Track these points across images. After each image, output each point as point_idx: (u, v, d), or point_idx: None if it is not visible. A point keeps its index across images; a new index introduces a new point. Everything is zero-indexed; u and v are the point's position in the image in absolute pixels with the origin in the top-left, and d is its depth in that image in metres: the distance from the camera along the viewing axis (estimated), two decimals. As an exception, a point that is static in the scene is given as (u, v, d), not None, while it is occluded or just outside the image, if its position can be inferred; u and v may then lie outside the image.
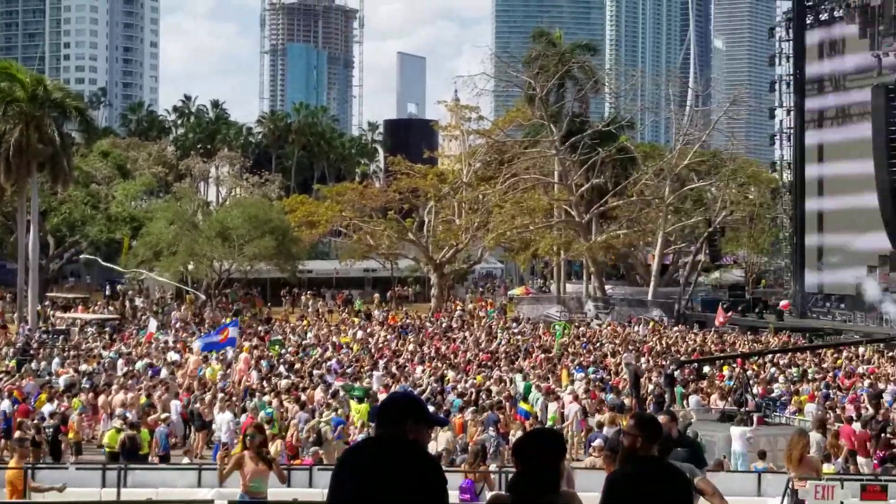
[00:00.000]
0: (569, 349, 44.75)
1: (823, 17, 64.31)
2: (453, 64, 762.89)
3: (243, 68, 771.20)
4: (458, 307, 71.11)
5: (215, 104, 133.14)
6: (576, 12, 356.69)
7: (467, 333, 52.15)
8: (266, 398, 28.63)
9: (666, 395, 31.40)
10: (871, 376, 35.23)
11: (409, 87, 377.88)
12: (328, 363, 37.96)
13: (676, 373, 33.79)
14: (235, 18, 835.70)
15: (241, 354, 38.82)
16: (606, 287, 76.62)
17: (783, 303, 60.68)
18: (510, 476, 7.25)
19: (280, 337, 48.63)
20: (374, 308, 70.65)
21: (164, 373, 35.20)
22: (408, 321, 59.67)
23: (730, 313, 60.45)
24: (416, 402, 6.79)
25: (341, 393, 29.40)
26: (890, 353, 43.79)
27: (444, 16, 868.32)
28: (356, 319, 61.44)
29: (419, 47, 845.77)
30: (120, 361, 38.37)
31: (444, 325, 57.79)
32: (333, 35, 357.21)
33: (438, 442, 22.97)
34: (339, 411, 26.79)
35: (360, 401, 27.65)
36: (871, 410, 26.49)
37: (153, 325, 48.04)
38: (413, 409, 6.55)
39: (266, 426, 24.40)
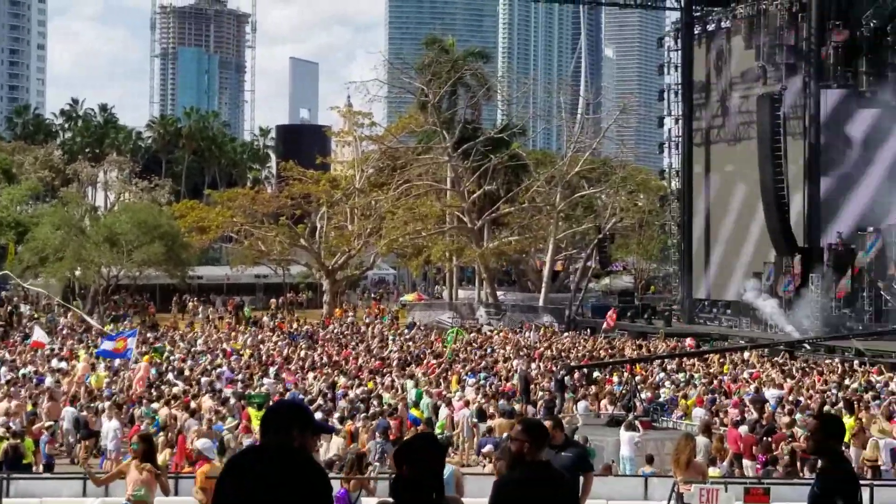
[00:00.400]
0: (460, 355, 44.87)
1: (711, 27, 65.47)
2: (346, 70, 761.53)
3: (134, 72, 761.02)
4: (351, 313, 70.92)
5: (104, 108, 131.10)
6: (469, 20, 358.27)
7: (359, 340, 52.04)
8: (154, 406, 28.25)
9: (556, 401, 31.68)
10: (756, 381, 35.87)
11: (302, 92, 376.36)
12: (218, 370, 37.58)
13: (566, 378, 34.10)
14: (125, 22, 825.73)
15: (142, 363, 38.28)
16: (498, 293, 77.06)
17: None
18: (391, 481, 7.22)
19: (161, 345, 47.91)
20: (267, 314, 70.13)
21: (48, 381, 34.52)
22: (300, 327, 59.34)
23: (613, 318, 61.17)
24: (302, 410, 6.73)
25: (232, 400, 29.13)
26: (774, 358, 44.63)
27: (338, 21, 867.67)
28: (245, 327, 60.96)
29: (312, 52, 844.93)
30: (3, 369, 37.55)
31: (335, 331, 57.58)
32: (225, 39, 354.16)
33: (330, 448, 22.88)
34: (229, 420, 26.53)
35: (260, 407, 27.43)
36: (755, 414, 26.97)
37: (38, 332, 47.09)
38: (299, 417, 6.50)
39: (161, 434, 24.18)
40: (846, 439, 22.49)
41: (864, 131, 56.91)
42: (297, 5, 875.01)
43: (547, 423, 12.24)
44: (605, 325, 59.87)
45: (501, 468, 11.83)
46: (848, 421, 25.08)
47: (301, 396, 30.42)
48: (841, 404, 28.31)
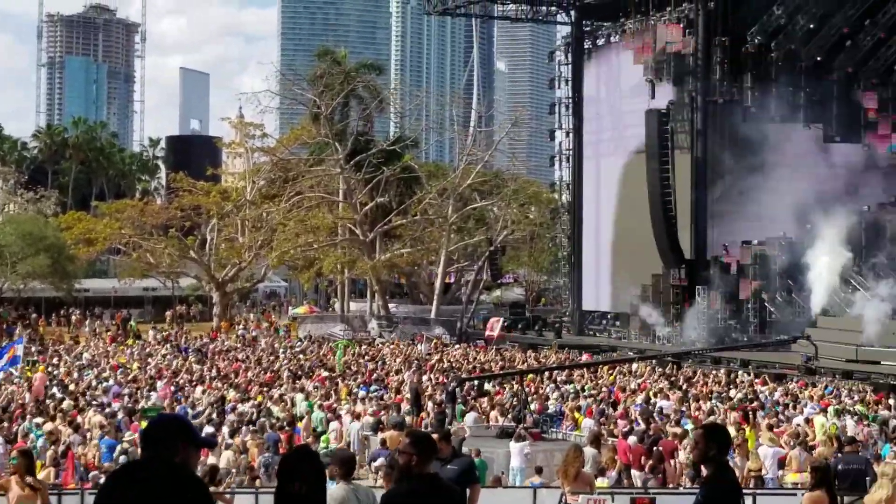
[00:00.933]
0: (351, 367, 44.75)
1: (601, 42, 66.26)
2: (238, 80, 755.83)
3: (19, 81, 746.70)
4: (241, 326, 70.32)
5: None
6: (362, 32, 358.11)
7: (249, 352, 51.62)
8: (38, 420, 27.67)
9: (447, 412, 31.69)
10: (644, 392, 36.28)
11: (193, 103, 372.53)
12: (104, 384, 36.99)
13: (457, 390, 34.15)
14: (11, 29, 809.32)
15: (37, 374, 37.51)
16: (390, 305, 76.99)
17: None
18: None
19: (35, 358, 46.88)
20: (164, 327, 69.19)
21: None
22: (189, 341, 58.70)
23: (497, 331, 61.66)
24: (183, 424, 6.63)
25: (120, 415, 28.67)
26: (661, 370, 45.21)
27: (229, 32, 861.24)
28: (131, 341, 60.12)
29: (203, 63, 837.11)
30: None
31: (225, 344, 57.06)
32: (114, 49, 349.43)
33: (220, 463, 22.61)
34: (129, 434, 26.10)
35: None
36: (643, 425, 27.27)
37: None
38: (180, 431, 6.40)
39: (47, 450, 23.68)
40: (750, 447, 22.91)
41: (750, 145, 58.01)
42: (188, 15, 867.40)
43: (434, 436, 12.25)
44: (487, 336, 60.41)
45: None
46: (746, 431, 25.57)
47: (189, 410, 30.08)
48: (724, 415, 28.79)
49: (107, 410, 29.61)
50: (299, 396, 34.08)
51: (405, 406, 32.67)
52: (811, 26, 57.81)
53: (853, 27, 58.11)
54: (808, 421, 28.42)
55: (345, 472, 10.45)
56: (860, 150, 59.60)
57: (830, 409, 31.29)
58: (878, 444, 25.98)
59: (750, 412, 29.45)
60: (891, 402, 33.73)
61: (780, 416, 29.24)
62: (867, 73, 60.04)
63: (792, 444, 23.89)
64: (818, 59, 59.13)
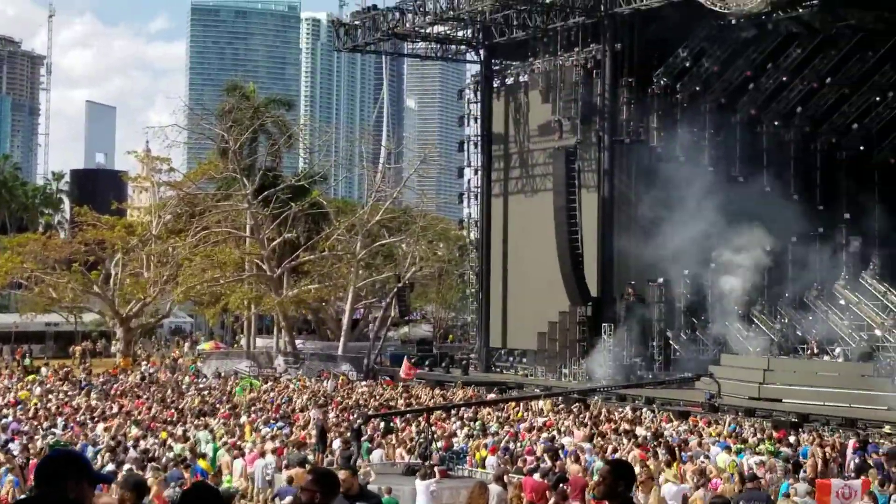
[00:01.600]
0: (256, 404, 44.32)
1: (510, 80, 66.69)
2: (145, 115, 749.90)
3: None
4: (145, 362, 69.37)
5: None
6: (271, 68, 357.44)
7: (153, 389, 50.93)
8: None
9: (352, 450, 31.48)
10: (550, 429, 36.36)
11: (98, 136, 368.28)
12: (3, 420, 36.23)
13: (363, 427, 33.95)
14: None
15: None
16: (297, 341, 76.53)
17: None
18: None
19: None
20: (69, 362, 67.95)
21: None
22: (91, 376, 57.75)
23: (414, 369, 61.38)
24: (77, 459, 6.48)
25: (16, 452, 28.07)
26: (567, 407, 45.34)
27: (136, 66, 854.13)
28: (33, 376, 59.00)
29: (109, 96, 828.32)
30: None
31: (128, 380, 56.24)
32: (18, 81, 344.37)
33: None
34: (14, 469, 25.55)
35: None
36: (548, 462, 27.29)
37: None
38: (73, 467, 6.25)
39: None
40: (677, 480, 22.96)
41: (656, 184, 58.73)
42: (95, 48, 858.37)
43: (342, 473, 12.14)
44: (402, 375, 60.12)
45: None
46: (650, 468, 25.69)
47: (90, 447, 29.56)
48: (628, 452, 28.92)
49: (8, 447, 29.02)
50: (203, 433, 33.64)
51: (310, 443, 32.41)
52: (715, 69, 58.81)
53: (756, 71, 59.22)
54: (709, 458, 28.67)
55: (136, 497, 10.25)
56: (763, 190, 60.56)
57: (733, 446, 31.60)
58: (780, 480, 26.26)
59: (657, 449, 29.63)
60: (791, 439, 34.17)
61: (684, 454, 29.44)
62: (769, 115, 61.19)
63: (696, 480, 24.05)
64: (722, 100, 60.14)
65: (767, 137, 62.32)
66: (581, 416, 41.20)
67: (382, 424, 36.01)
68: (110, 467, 25.48)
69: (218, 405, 43.75)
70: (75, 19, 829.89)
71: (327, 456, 30.95)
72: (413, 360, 66.25)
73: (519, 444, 32.42)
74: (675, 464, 26.94)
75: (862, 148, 62.31)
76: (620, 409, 44.67)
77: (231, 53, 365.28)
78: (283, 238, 72.80)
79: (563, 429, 36.04)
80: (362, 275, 75.29)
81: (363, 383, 58.82)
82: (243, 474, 28.52)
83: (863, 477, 25.25)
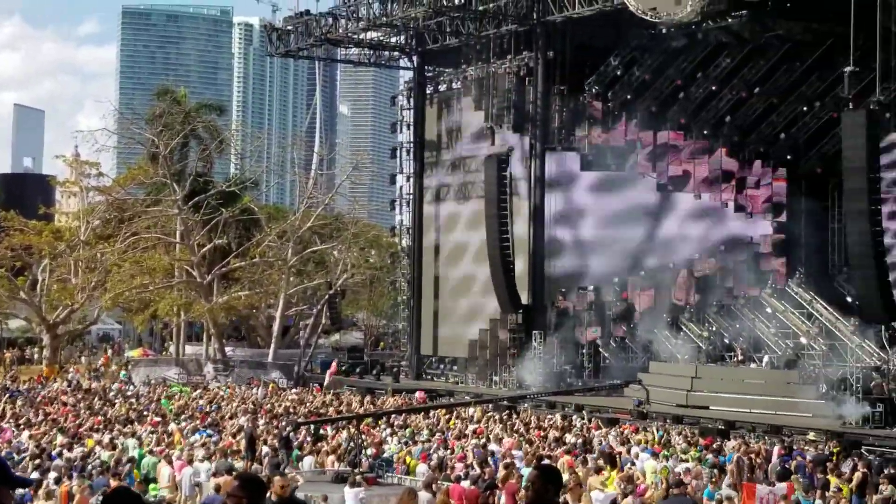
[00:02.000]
0: (185, 412, 43.96)
1: (442, 87, 66.71)
2: (74, 119, 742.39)
3: None
4: (72, 369, 68.55)
5: None
6: (203, 72, 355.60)
7: (80, 396, 50.34)
8: None
9: (281, 457, 31.35)
10: (480, 436, 36.40)
11: (26, 140, 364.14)
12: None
13: (293, 435, 33.82)
14: None
15: None
16: (227, 349, 76.03)
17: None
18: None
19: None
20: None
21: None
22: (16, 383, 57.01)
23: (331, 371, 61.85)
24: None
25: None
26: (498, 414, 45.40)
27: (66, 70, 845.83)
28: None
29: (38, 100, 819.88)
30: None
31: (54, 387, 55.54)
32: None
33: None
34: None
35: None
36: (478, 469, 27.32)
37: None
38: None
39: None
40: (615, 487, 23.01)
41: (587, 193, 59.12)
42: (23, 51, 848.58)
43: (280, 480, 12.12)
44: (327, 378, 60.42)
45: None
46: (610, 474, 25.84)
47: (14, 455, 29.16)
48: (558, 458, 29.03)
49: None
50: (131, 441, 33.30)
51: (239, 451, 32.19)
52: (646, 77, 59.25)
53: (686, 80, 59.76)
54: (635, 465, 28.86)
55: None
56: (692, 199, 61.12)
57: (661, 452, 31.84)
58: (706, 487, 26.49)
59: (587, 456, 29.77)
60: (715, 446, 34.47)
61: (613, 460, 29.59)
62: (699, 125, 61.74)
63: (623, 487, 24.19)
64: (653, 109, 60.60)
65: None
66: (511, 423, 41.30)
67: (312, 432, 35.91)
68: (35, 475, 25.17)
69: (146, 413, 43.36)
70: (3, 21, 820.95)
71: (256, 464, 30.77)
72: (343, 368, 66.49)
73: (449, 452, 32.43)
74: (613, 471, 27.08)
75: (789, 157, 63.01)
76: (550, 417, 44.83)
77: (162, 58, 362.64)
78: (213, 244, 72.34)
79: (492, 436, 36.08)
80: (293, 281, 75.00)
81: (293, 391, 58.56)
82: (171, 482, 28.26)
83: (787, 483, 25.58)
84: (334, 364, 65.24)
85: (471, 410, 45.76)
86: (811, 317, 53.70)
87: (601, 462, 28.24)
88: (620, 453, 30.80)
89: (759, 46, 56.85)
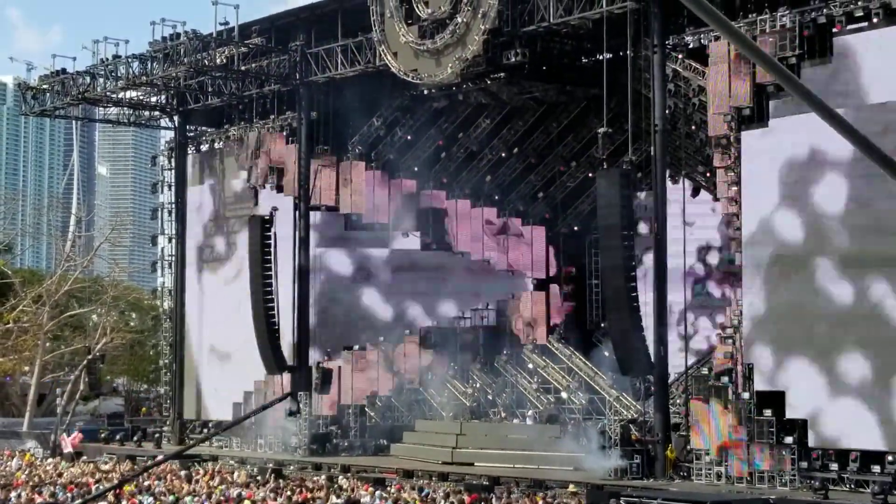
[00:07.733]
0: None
1: (205, 147, 65.68)
2: None
3: None
4: None
5: None
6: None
7: None
8: None
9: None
10: (249, 500, 35.75)
11: None
12: None
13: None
14: None
15: None
16: (-21, 418, 72.85)
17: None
18: None
19: None
20: None
21: None
22: None
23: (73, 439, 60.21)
24: None
25: None
26: (261, 477, 44.72)
27: None
28: None
29: None
30: None
31: None
32: None
33: None
34: None
35: None
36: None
37: None
38: None
39: None
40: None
41: (354, 252, 59.52)
42: None
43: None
44: (70, 446, 58.61)
45: None
46: None
47: None
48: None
49: None
50: None
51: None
52: (408, 138, 59.96)
53: (447, 140, 60.75)
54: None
55: None
56: (454, 257, 62.06)
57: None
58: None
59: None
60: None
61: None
62: (461, 184, 62.75)
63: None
64: (416, 169, 61.29)
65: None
66: (277, 486, 40.73)
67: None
68: None
69: None
70: None
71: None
72: (103, 435, 64.64)
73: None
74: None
75: (547, 216, 64.65)
76: (316, 478, 44.46)
77: None
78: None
79: (259, 500, 35.49)
80: (50, 347, 72.58)
81: (49, 461, 56.38)
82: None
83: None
84: (77, 433, 62.89)
85: (236, 474, 45.06)
86: (571, 371, 55.04)
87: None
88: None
89: (516, 108, 58.42)
